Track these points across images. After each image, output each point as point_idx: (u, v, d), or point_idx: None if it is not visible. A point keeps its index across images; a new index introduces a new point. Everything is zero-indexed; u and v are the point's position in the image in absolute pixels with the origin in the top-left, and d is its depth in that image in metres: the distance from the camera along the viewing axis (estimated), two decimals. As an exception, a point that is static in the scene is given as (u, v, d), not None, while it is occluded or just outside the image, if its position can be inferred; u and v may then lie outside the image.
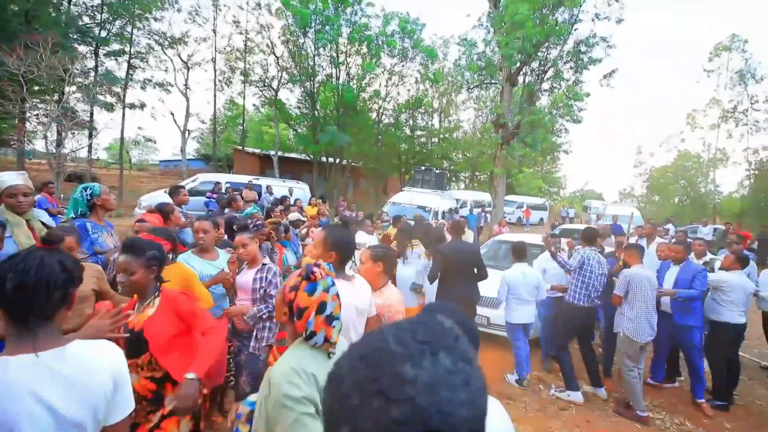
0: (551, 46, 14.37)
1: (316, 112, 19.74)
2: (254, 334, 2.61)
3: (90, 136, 16.23)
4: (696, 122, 26.71)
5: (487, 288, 4.51)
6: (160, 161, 37.85)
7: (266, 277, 2.65)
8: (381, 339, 0.46)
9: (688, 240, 5.80)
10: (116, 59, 17.13)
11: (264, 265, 2.71)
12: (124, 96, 17.01)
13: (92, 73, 15.80)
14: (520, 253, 4.28)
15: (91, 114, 16.08)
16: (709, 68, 24.31)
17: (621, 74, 15.30)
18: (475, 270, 4.11)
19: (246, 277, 2.69)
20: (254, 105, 23.37)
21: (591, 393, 4.09)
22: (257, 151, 24.08)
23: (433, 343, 0.45)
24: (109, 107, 16.39)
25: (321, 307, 1.26)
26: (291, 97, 21.85)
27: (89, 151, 16.77)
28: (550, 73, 14.98)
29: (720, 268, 4.45)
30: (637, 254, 3.86)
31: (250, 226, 4.10)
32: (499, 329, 4.75)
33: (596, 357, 4.29)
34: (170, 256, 2.24)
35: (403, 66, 20.57)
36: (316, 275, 1.30)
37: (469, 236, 7.28)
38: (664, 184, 29.55)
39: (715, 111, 24.80)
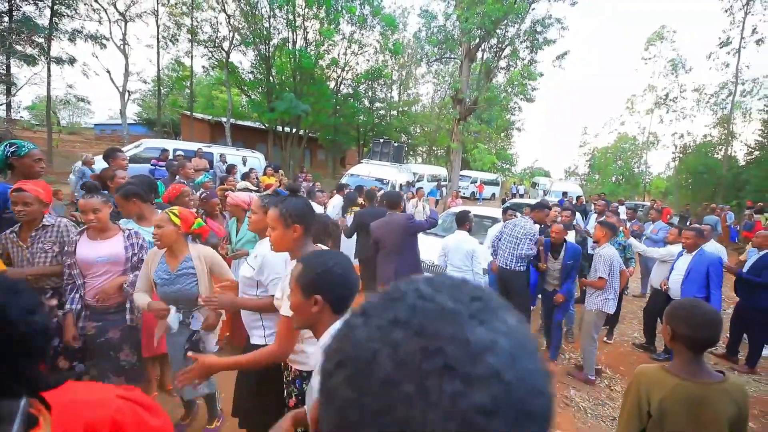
0: (509, 24, 14.63)
1: (271, 78, 18.76)
2: (128, 305, 2.41)
3: (8, 93, 14.31)
4: (634, 107, 28.79)
5: (433, 255, 4.76)
6: (95, 125, 34.38)
7: (136, 243, 2.43)
8: (419, 296, 0.32)
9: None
10: (36, 3, 14.96)
11: (125, 231, 2.44)
12: (49, 48, 15.04)
13: (6, 18, 13.74)
14: (461, 221, 4.31)
15: (8, 67, 14.10)
16: (646, 56, 26.06)
17: (571, 57, 16.03)
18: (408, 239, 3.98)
19: (112, 248, 2.35)
20: (203, 67, 21.71)
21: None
22: (207, 117, 22.60)
23: (484, 298, 0.33)
24: (31, 60, 14.45)
25: None
26: (244, 60, 20.56)
27: (8, 110, 14.82)
28: (507, 51, 15.32)
29: (666, 242, 5.05)
30: (611, 233, 3.95)
31: (200, 197, 3.91)
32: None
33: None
34: None
35: (362, 34, 19.97)
36: None
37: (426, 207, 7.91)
38: (605, 164, 31.87)
39: (650, 97, 26.84)
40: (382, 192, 6.68)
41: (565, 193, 13.96)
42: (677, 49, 24.40)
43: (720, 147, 21.62)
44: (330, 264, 1.20)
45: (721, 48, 20.30)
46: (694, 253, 4.08)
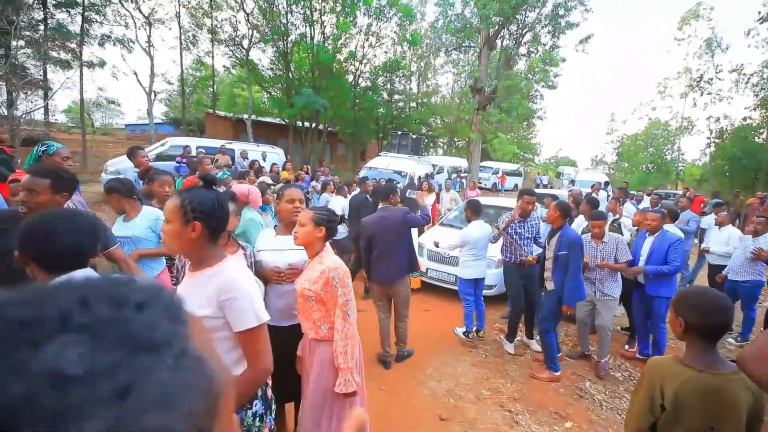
0: (529, 8, 14.18)
1: (290, 73, 18.97)
2: None
3: (45, 97, 15.13)
4: (666, 91, 27.31)
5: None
6: (126, 125, 35.86)
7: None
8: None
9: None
10: (68, 11, 15.70)
11: None
12: (81, 53, 15.78)
13: (41, 27, 14.49)
14: (476, 210, 4.34)
15: (45, 72, 14.90)
16: (679, 37, 24.54)
17: (596, 40, 15.41)
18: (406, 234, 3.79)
19: None
20: (224, 66, 22.19)
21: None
22: (230, 115, 23.13)
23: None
24: (65, 65, 15.20)
25: None
26: (263, 57, 20.84)
27: (45, 113, 15.68)
28: (528, 37, 14.88)
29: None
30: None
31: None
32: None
33: (534, 313, 4.30)
34: None
35: (379, 26, 19.84)
36: None
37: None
38: (634, 152, 30.53)
39: (684, 80, 25.38)
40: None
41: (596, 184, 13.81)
42: (714, 27, 22.78)
43: (761, 130, 20.29)
44: (38, 223, 1.33)
45: (761, 23, 18.92)
46: (656, 235, 3.94)
